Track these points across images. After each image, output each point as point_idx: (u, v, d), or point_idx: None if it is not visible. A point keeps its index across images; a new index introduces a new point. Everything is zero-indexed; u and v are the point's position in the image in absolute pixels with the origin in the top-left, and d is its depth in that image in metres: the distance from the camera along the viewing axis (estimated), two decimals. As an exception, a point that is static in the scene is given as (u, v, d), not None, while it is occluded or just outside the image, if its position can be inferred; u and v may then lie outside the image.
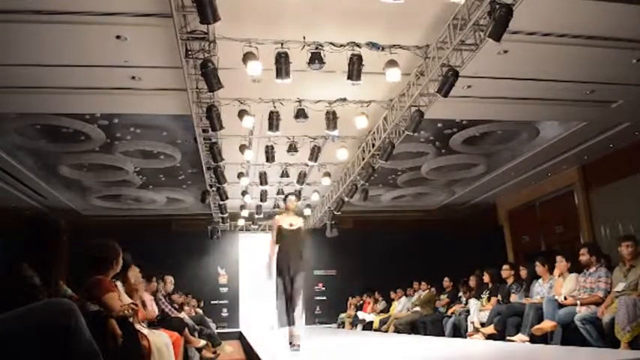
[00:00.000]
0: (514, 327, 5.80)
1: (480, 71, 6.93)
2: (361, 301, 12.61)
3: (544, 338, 5.21)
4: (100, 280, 3.19)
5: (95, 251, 3.28)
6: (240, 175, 10.37)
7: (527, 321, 5.43)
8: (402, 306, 10.14)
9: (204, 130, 8.09)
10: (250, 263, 14.93)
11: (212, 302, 13.99)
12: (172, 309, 6.18)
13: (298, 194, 11.79)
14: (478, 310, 6.99)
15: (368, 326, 10.92)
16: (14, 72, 6.53)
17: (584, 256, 5.34)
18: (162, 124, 8.87)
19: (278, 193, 12.07)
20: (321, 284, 14.89)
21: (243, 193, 11.71)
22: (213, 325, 8.90)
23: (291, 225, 5.79)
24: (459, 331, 7.38)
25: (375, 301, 11.89)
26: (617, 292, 4.70)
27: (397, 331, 9.17)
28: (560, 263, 5.73)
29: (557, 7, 5.71)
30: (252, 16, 5.70)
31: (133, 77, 6.90)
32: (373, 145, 9.00)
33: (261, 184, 10.66)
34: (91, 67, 6.54)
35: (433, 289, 9.24)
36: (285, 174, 10.37)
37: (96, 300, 2.93)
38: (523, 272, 6.69)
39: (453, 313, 7.82)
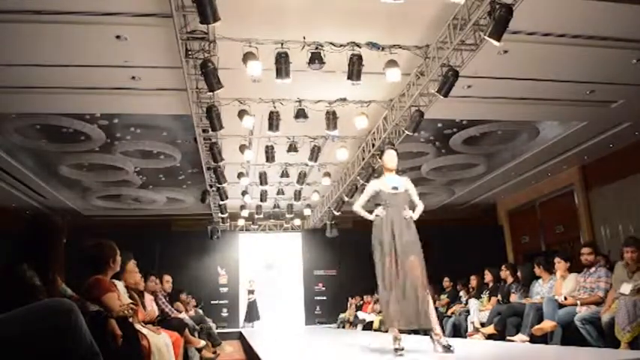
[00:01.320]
0: (514, 327, 5.79)
1: (479, 71, 6.93)
2: (361, 301, 12.60)
3: (544, 338, 5.20)
4: (100, 280, 3.19)
5: (92, 251, 3.27)
6: (240, 175, 10.37)
7: (527, 321, 5.43)
8: (402, 306, 10.11)
9: (204, 130, 8.09)
10: (250, 263, 14.97)
11: (212, 302, 13.99)
12: (172, 309, 6.18)
13: (298, 194, 11.81)
14: (478, 310, 6.99)
15: (368, 326, 10.91)
16: (14, 72, 6.53)
17: (590, 256, 5.32)
18: (162, 124, 8.87)
19: (278, 193, 12.08)
20: (321, 284, 14.88)
21: (243, 193, 11.71)
22: (213, 325, 8.90)
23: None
24: (459, 331, 7.38)
25: (375, 301, 11.87)
26: (621, 293, 4.66)
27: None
28: (559, 264, 5.72)
29: (557, 7, 5.71)
30: (252, 16, 5.70)
31: (133, 77, 6.90)
32: (373, 145, 9.00)
33: (261, 184, 10.66)
34: (91, 67, 6.54)
35: (432, 290, 9.22)
36: (285, 174, 10.38)
37: (95, 300, 2.93)
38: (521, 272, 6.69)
39: (453, 313, 7.82)
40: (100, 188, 12.22)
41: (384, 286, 4.40)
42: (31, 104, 7.63)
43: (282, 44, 5.84)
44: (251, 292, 14.25)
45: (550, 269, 5.92)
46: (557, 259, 5.77)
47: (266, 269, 15.14)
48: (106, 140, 9.32)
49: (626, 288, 4.69)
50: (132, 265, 4.20)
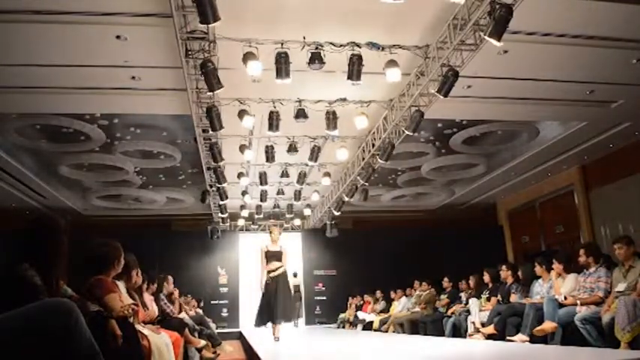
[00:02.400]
0: (514, 327, 5.79)
1: (479, 71, 6.94)
2: (361, 301, 12.61)
3: (544, 338, 5.20)
4: (102, 280, 3.19)
5: (97, 251, 3.28)
6: (240, 175, 10.37)
7: (527, 321, 5.43)
8: (402, 306, 10.13)
9: (204, 130, 8.09)
10: (250, 263, 14.96)
11: (212, 302, 14.00)
12: (173, 309, 6.18)
13: (298, 194, 11.80)
14: (478, 310, 6.98)
15: (368, 326, 10.92)
16: (14, 72, 6.53)
17: (581, 258, 5.35)
18: (162, 124, 8.87)
19: (278, 193, 12.08)
20: (321, 284, 14.89)
21: (243, 193, 11.71)
22: (213, 325, 8.89)
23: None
24: (459, 331, 7.38)
25: (375, 301, 11.88)
26: (618, 292, 4.70)
27: (397, 331, 9.18)
28: (555, 265, 5.73)
29: (557, 7, 5.71)
30: (252, 16, 5.70)
31: (133, 77, 6.91)
32: (373, 145, 9.01)
33: (261, 184, 10.66)
34: (91, 67, 6.54)
35: (433, 290, 9.24)
36: (285, 174, 10.38)
37: (97, 300, 2.93)
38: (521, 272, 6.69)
39: (453, 313, 7.82)
40: (100, 188, 12.23)
41: None
42: (31, 104, 7.63)
43: (282, 44, 5.84)
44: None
45: (550, 268, 5.92)
46: (554, 261, 5.78)
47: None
48: (106, 140, 9.33)
49: (622, 287, 4.72)
50: (135, 272, 4.21)
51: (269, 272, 6.87)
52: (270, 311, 6.73)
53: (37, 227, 2.56)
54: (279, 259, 6.95)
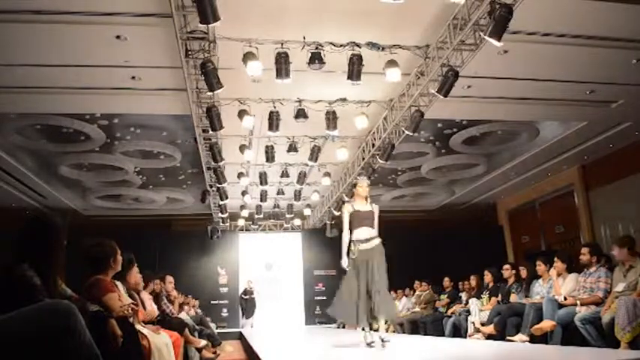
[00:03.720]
0: (514, 327, 5.79)
1: (479, 71, 6.94)
2: (361, 301, 12.58)
3: (544, 338, 5.20)
4: (100, 280, 3.18)
5: (92, 251, 3.27)
6: (240, 175, 10.37)
7: (527, 321, 5.43)
8: (402, 306, 10.13)
9: (204, 130, 8.10)
10: (250, 263, 14.97)
11: (212, 302, 14.00)
12: (173, 310, 6.18)
13: (298, 194, 11.81)
14: (479, 310, 6.98)
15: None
16: (14, 72, 6.53)
17: (584, 256, 5.34)
18: (162, 124, 8.87)
19: (278, 193, 12.09)
20: (321, 284, 14.87)
21: (243, 193, 11.71)
22: (213, 325, 8.89)
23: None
24: (459, 331, 7.38)
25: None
26: (618, 292, 4.70)
27: (397, 331, 9.18)
28: (557, 264, 5.73)
29: (557, 7, 5.71)
30: (252, 16, 5.70)
31: (133, 77, 6.91)
32: (373, 145, 9.01)
33: (261, 184, 10.66)
34: (91, 67, 6.54)
35: (433, 290, 9.24)
36: (285, 174, 10.38)
37: (96, 300, 2.93)
38: (523, 272, 6.69)
39: (453, 313, 7.82)
40: (100, 188, 12.23)
41: None
42: (31, 104, 7.63)
43: (282, 44, 5.84)
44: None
45: (552, 268, 5.91)
46: (555, 259, 5.77)
47: (266, 269, 15.14)
48: (106, 140, 9.33)
49: (621, 286, 4.73)
50: (135, 270, 4.21)
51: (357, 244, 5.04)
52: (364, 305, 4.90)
53: (36, 227, 2.56)
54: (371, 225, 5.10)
